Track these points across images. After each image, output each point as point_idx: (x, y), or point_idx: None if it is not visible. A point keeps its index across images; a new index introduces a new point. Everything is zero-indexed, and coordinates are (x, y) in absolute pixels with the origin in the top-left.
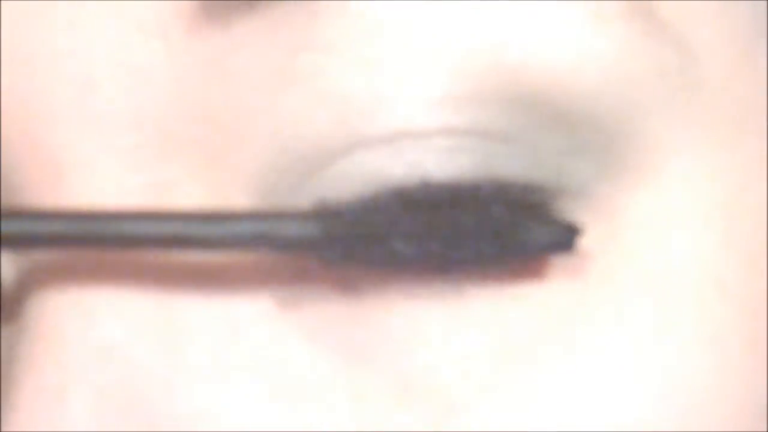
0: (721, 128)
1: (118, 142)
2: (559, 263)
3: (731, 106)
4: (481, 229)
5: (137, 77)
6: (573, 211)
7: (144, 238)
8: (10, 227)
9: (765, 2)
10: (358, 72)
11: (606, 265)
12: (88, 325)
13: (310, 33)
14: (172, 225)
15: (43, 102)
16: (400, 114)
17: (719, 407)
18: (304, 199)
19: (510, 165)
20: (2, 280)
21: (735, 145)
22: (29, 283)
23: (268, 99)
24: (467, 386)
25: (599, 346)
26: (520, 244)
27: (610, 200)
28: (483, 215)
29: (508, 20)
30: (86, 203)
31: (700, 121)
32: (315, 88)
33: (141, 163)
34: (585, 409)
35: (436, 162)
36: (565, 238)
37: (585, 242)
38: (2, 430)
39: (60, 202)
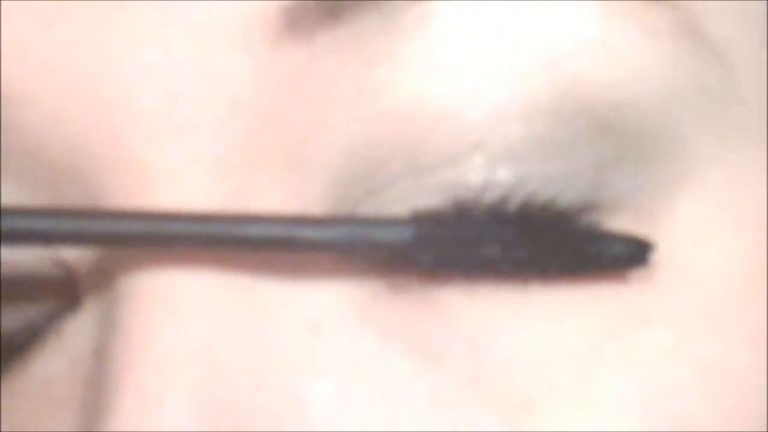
0: (753, 139)
1: (203, 151)
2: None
3: (761, 118)
4: (563, 241)
5: (222, 88)
6: (614, 222)
7: (246, 239)
8: (101, 225)
9: None
10: (430, 86)
11: (650, 271)
12: (181, 326)
13: (387, 47)
14: (272, 227)
15: (131, 112)
16: (471, 128)
17: (758, 401)
18: (374, 206)
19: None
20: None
21: (763, 154)
22: (115, 278)
23: (344, 110)
24: (539, 385)
25: (653, 348)
26: (598, 256)
27: (651, 209)
28: (565, 227)
29: (563, 34)
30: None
31: (734, 132)
32: (389, 101)
33: (225, 172)
34: (646, 406)
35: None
36: (639, 252)
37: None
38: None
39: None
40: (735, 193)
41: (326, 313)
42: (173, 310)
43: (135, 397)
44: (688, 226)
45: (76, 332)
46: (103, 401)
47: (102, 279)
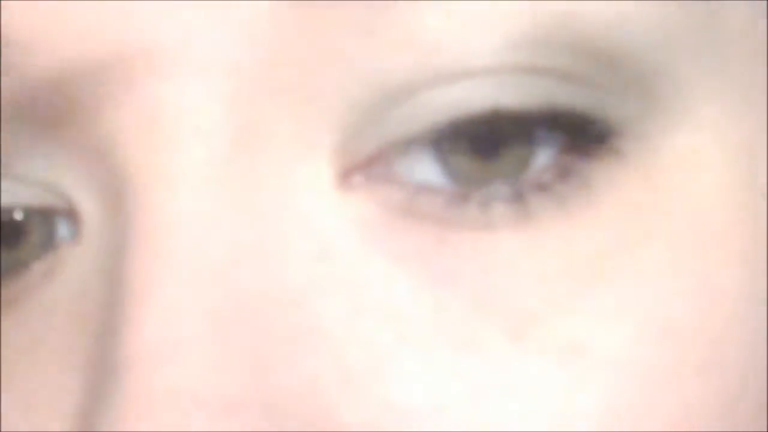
0: (741, 76)
1: (217, 88)
2: (607, 196)
3: (747, 56)
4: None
5: (239, 28)
6: (620, 146)
7: None
8: None
9: None
10: (439, 17)
11: (647, 197)
12: (198, 247)
13: None
14: None
15: (147, 52)
16: (478, 53)
17: (746, 317)
18: (385, 131)
19: (568, 99)
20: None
21: (751, 92)
22: (122, 205)
23: (357, 43)
24: (543, 301)
25: (652, 264)
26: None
27: (650, 139)
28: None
29: None
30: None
31: (723, 68)
32: (401, 30)
33: (238, 106)
34: (644, 316)
35: (507, 95)
36: None
37: (631, 177)
38: (125, 338)
39: (157, 141)
40: (726, 126)
41: (336, 238)
42: (188, 232)
43: (155, 308)
44: (685, 156)
45: (78, 262)
46: (120, 316)
47: (107, 209)
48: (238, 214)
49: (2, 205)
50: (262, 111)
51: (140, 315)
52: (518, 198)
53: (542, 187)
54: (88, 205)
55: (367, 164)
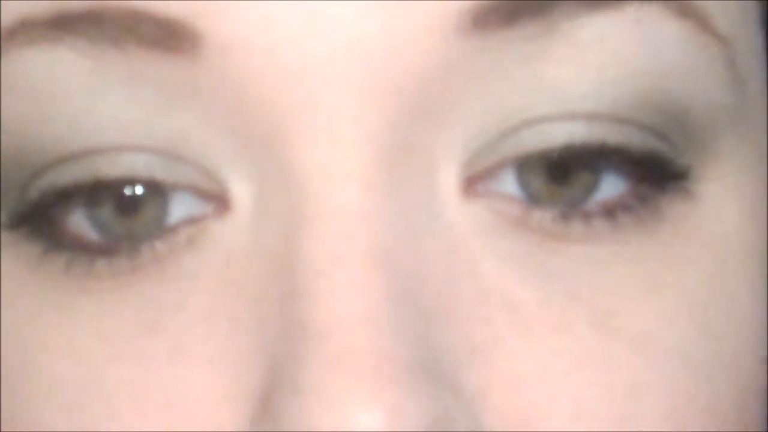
0: (752, 133)
1: (384, 105)
2: (671, 222)
3: (759, 101)
4: None
5: (411, 60)
6: (683, 186)
7: None
8: None
9: None
10: (567, 71)
11: (694, 228)
12: (367, 230)
13: (544, 46)
14: None
15: (328, 75)
16: (592, 103)
17: (754, 335)
18: (502, 150)
19: (656, 146)
20: None
21: (759, 147)
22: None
23: (495, 84)
24: (622, 299)
25: (694, 281)
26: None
27: (699, 184)
28: None
29: (656, 54)
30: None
31: (742, 128)
32: (534, 78)
33: (397, 121)
34: (689, 321)
35: (612, 135)
36: None
37: (686, 211)
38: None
39: (331, 143)
40: (742, 178)
41: (462, 236)
42: (359, 222)
43: (342, 283)
44: (716, 201)
45: (224, 235)
46: (306, 288)
47: (263, 195)
48: (392, 210)
49: (155, 178)
50: (413, 127)
51: (329, 287)
52: (611, 216)
53: (627, 208)
54: (240, 189)
55: (484, 175)
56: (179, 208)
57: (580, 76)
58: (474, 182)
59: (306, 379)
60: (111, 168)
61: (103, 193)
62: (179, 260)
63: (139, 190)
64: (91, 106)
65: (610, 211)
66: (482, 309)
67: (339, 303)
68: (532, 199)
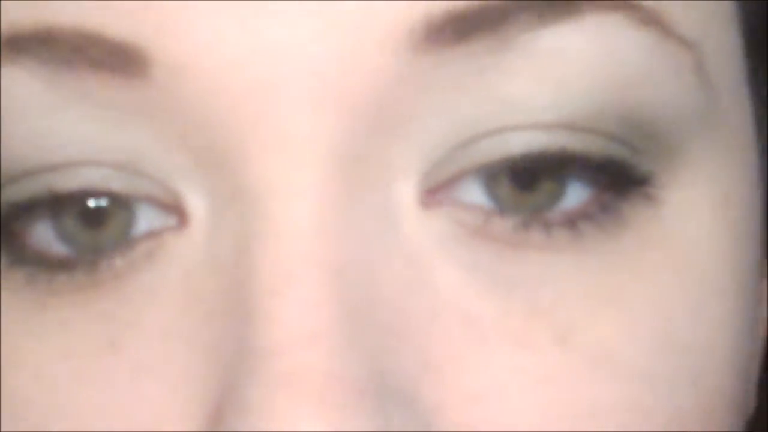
0: (723, 140)
1: (337, 122)
2: (635, 230)
3: (734, 102)
4: None
5: (362, 77)
6: (648, 192)
7: None
8: None
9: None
10: (524, 83)
11: (660, 235)
12: (319, 248)
13: (501, 59)
14: None
15: (279, 90)
16: (554, 113)
17: (729, 338)
18: (462, 160)
19: (618, 152)
20: None
21: (729, 153)
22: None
23: (452, 97)
24: (584, 312)
25: (660, 291)
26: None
27: (666, 190)
28: None
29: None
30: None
31: (713, 135)
32: (492, 90)
33: (350, 137)
34: (653, 335)
35: (573, 142)
36: None
37: (651, 217)
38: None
39: (284, 160)
40: (712, 182)
41: (420, 248)
42: (310, 239)
43: (293, 302)
44: (685, 206)
45: (183, 249)
46: (258, 307)
47: (216, 209)
48: (347, 226)
49: (112, 190)
50: (368, 142)
51: (281, 306)
52: (572, 225)
53: (588, 217)
54: (196, 203)
55: (445, 186)
56: (143, 221)
57: (539, 89)
58: (434, 193)
59: (253, 398)
60: (68, 181)
61: (66, 205)
62: (137, 276)
63: (103, 202)
64: (46, 124)
65: (571, 221)
66: (438, 324)
67: (290, 322)
68: (497, 205)
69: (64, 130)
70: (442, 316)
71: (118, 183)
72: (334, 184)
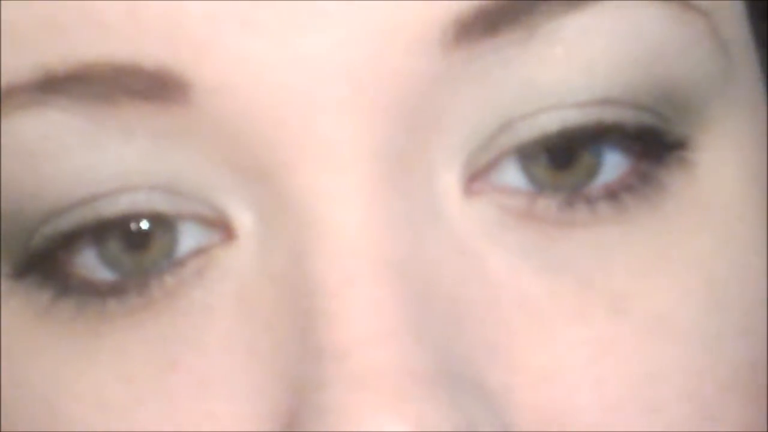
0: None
1: (378, 121)
2: (676, 197)
3: (744, 60)
4: None
5: (396, 80)
6: (684, 156)
7: None
8: None
9: None
10: (556, 67)
11: (697, 197)
12: (374, 247)
13: (529, 49)
14: None
15: (316, 100)
16: (587, 94)
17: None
18: (499, 143)
19: (652, 121)
20: None
21: (751, 115)
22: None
23: (486, 89)
24: (635, 282)
25: (702, 252)
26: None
27: (699, 153)
28: None
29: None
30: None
31: (733, 104)
32: (525, 79)
33: (392, 135)
34: (703, 295)
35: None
36: None
37: (689, 181)
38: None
39: (328, 165)
40: (736, 144)
41: (467, 237)
42: (366, 239)
43: (358, 303)
44: (716, 168)
45: (232, 263)
46: (322, 310)
47: (263, 220)
48: (396, 221)
49: (157, 210)
50: (407, 140)
51: (344, 307)
52: (614, 197)
53: (629, 188)
54: (243, 217)
55: (485, 171)
56: (188, 239)
57: (569, 73)
58: (475, 179)
59: (328, 401)
60: (113, 207)
61: (109, 230)
62: (189, 293)
63: (145, 224)
64: (87, 160)
65: (613, 193)
66: (496, 309)
67: (354, 322)
68: (537, 186)
69: (107, 162)
70: (498, 301)
71: (161, 204)
72: (379, 183)
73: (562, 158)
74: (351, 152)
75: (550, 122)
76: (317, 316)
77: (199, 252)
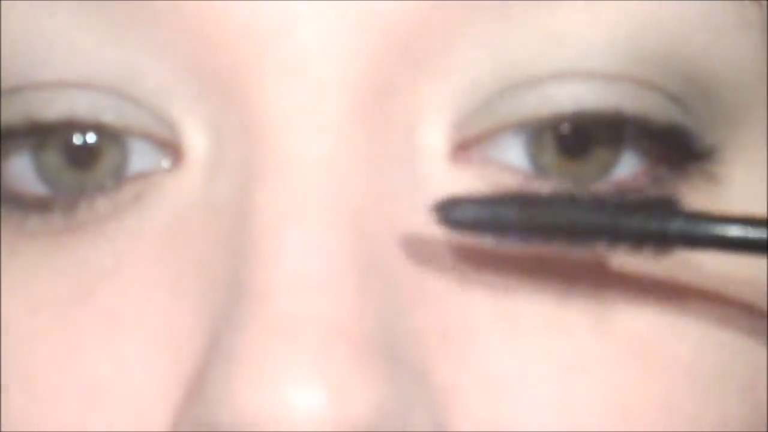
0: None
1: (362, 47)
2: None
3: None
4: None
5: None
6: (709, 169)
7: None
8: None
9: None
10: (575, 16)
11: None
12: (336, 187)
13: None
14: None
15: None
16: (604, 58)
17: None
18: (501, 114)
19: (681, 117)
20: None
21: None
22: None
23: (491, 27)
24: (624, 294)
25: (712, 283)
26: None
27: (723, 162)
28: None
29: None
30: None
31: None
32: (537, 20)
33: (377, 67)
34: (705, 333)
35: (629, 101)
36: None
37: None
38: None
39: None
40: (762, 149)
41: None
42: (328, 176)
43: (297, 243)
44: (741, 181)
45: (176, 191)
46: (256, 247)
47: (220, 146)
48: (366, 169)
49: (102, 122)
50: (398, 71)
51: (281, 247)
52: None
53: (640, 192)
54: (195, 137)
55: (480, 140)
56: (137, 162)
57: (592, 28)
58: (467, 147)
59: (240, 345)
60: (50, 107)
61: (50, 136)
62: (121, 218)
63: (91, 138)
64: (33, 23)
65: (620, 194)
66: (463, 293)
67: (289, 264)
68: (539, 171)
69: (53, 33)
70: (466, 289)
71: (108, 114)
72: (355, 117)
73: (574, 147)
74: (329, 70)
75: (564, 98)
76: (250, 255)
77: (141, 175)
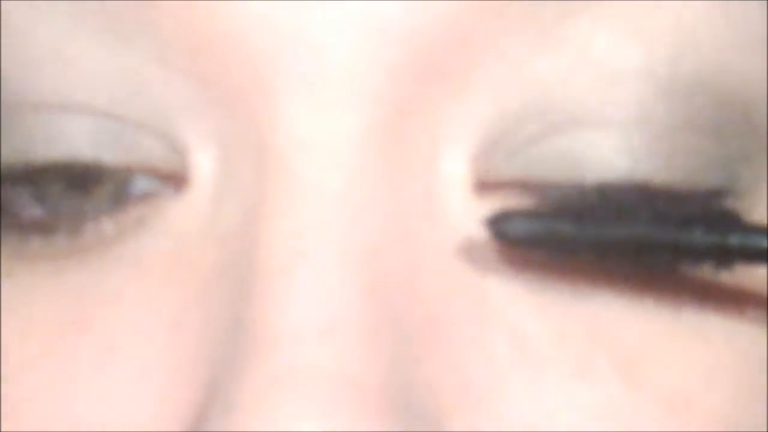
0: None
1: (382, 64)
2: None
3: None
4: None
5: (423, 8)
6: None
7: None
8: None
9: None
10: (602, 38)
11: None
12: (351, 221)
13: (583, 7)
14: None
15: (319, 11)
16: (613, 76)
17: None
18: (519, 165)
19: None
20: None
21: None
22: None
23: (521, 60)
24: (652, 343)
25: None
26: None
27: (744, 196)
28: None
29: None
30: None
31: None
32: (567, 47)
33: (399, 82)
34: (738, 381)
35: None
36: None
37: None
38: None
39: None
40: None
41: (471, 241)
42: (342, 209)
43: (306, 284)
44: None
45: (180, 217)
46: (262, 287)
47: (229, 172)
48: (386, 199)
49: (102, 163)
50: (421, 92)
51: (289, 288)
52: None
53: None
54: (201, 158)
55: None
56: (139, 181)
57: (628, 46)
58: (488, 182)
59: (242, 397)
60: (47, 147)
61: (49, 174)
62: (125, 243)
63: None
64: (32, 32)
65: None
66: (483, 338)
67: (296, 308)
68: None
69: (51, 42)
70: (488, 329)
71: (108, 152)
72: (373, 144)
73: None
74: (348, 88)
75: (588, 162)
76: (255, 294)
77: (145, 198)
